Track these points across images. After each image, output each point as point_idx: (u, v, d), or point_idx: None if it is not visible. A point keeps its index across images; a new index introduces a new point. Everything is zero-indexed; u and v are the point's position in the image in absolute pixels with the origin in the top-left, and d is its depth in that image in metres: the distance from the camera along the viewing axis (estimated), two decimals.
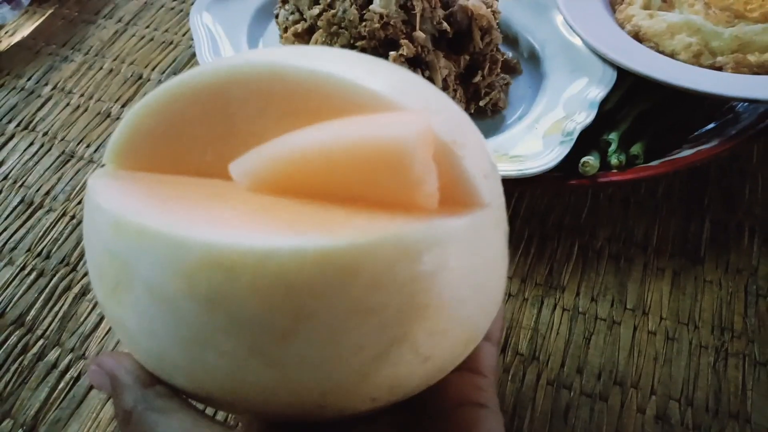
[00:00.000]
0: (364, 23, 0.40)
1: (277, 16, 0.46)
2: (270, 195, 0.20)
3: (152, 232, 0.18)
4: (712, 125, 0.44)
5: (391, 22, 0.40)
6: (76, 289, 0.41)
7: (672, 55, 0.44)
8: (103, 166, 0.23)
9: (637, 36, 0.46)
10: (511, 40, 0.50)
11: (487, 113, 0.45)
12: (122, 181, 0.22)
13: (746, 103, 0.44)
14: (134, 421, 0.21)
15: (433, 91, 0.22)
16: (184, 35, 0.57)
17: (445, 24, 0.41)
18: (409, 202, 0.19)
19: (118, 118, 0.51)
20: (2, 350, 0.38)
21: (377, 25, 0.39)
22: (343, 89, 0.20)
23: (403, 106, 0.19)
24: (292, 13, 0.44)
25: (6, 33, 0.56)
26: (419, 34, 0.40)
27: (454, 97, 0.43)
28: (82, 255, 0.43)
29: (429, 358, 0.20)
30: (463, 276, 0.19)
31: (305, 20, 0.43)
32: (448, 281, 0.19)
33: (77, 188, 0.47)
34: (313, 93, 0.20)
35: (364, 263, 0.17)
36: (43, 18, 0.56)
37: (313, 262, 0.17)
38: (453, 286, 0.19)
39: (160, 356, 0.20)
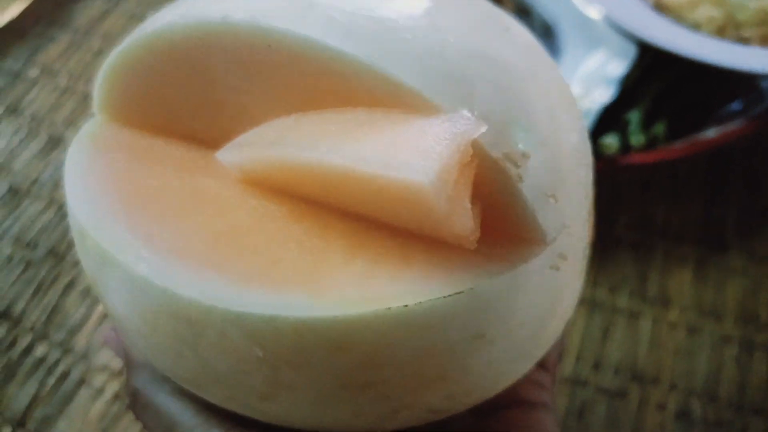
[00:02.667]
0: None
1: None
2: (261, 195, 0.17)
3: (112, 260, 0.16)
4: (736, 104, 0.42)
5: None
6: (64, 281, 0.40)
7: (695, 28, 0.42)
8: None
9: (659, 7, 0.44)
10: (524, 13, 0.48)
11: None
12: (101, 155, 0.19)
13: None
14: (142, 402, 0.20)
15: (495, 53, 0.16)
16: None
17: None
18: (437, 235, 0.15)
19: None
20: None
21: None
22: (350, 69, 0.15)
23: (435, 103, 0.14)
24: None
25: None
26: None
27: None
28: (70, 245, 0.41)
29: (450, 410, 0.17)
30: (496, 340, 0.15)
31: None
32: (471, 350, 0.15)
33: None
34: (312, 69, 0.15)
35: (354, 340, 0.14)
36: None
37: (290, 333, 0.14)
38: (480, 354, 0.15)
39: (152, 362, 0.19)
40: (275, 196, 0.17)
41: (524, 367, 0.18)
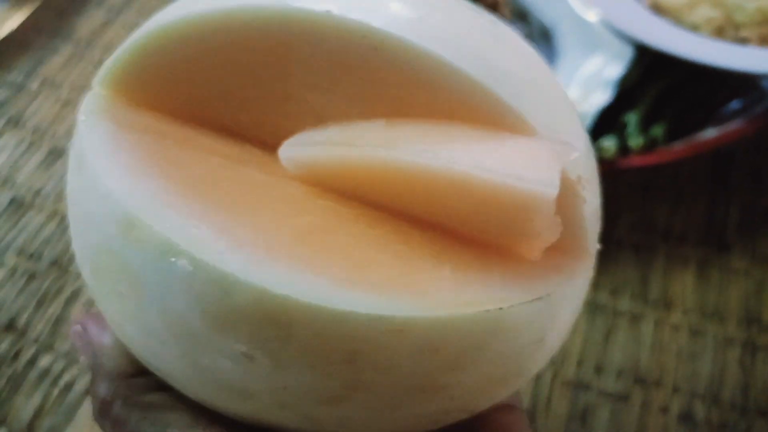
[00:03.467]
0: None
1: None
2: (325, 196, 0.16)
3: (182, 252, 0.14)
4: (736, 103, 0.42)
5: None
6: (68, 292, 0.40)
7: (693, 29, 0.42)
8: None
9: (656, 9, 0.44)
10: (522, 16, 0.48)
11: None
12: (128, 134, 0.16)
13: None
14: (114, 416, 0.18)
15: (557, 85, 0.17)
16: None
17: None
18: (510, 249, 0.15)
19: None
20: None
21: None
22: (461, 86, 0.15)
23: (533, 126, 0.15)
24: None
25: None
26: None
27: None
28: (73, 256, 0.41)
29: (480, 410, 0.18)
30: (547, 345, 0.17)
31: None
32: (531, 354, 0.16)
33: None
34: (418, 80, 0.15)
35: (449, 340, 0.14)
36: (33, 10, 0.54)
37: (393, 332, 0.14)
38: (535, 358, 0.16)
39: (166, 375, 0.17)
40: (342, 198, 0.16)
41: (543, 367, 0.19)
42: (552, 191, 0.14)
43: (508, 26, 0.18)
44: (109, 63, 0.17)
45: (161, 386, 0.18)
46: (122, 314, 0.16)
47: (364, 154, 0.16)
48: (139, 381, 0.18)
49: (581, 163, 0.16)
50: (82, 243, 0.17)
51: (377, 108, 0.16)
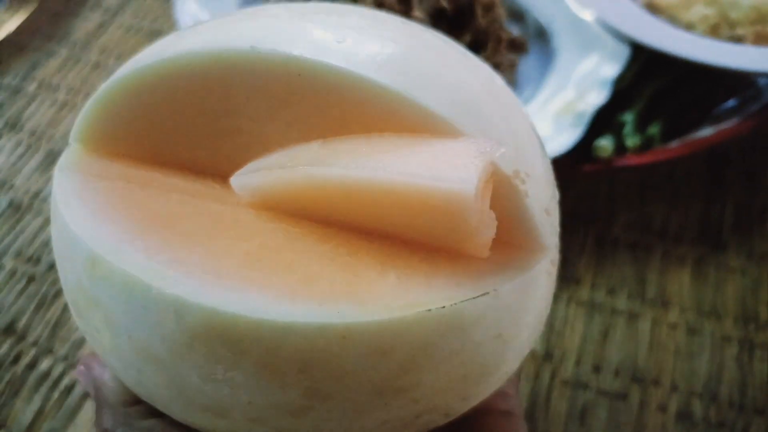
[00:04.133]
0: (358, 4, 0.37)
1: (267, 1, 0.44)
2: (276, 219, 0.17)
3: (139, 285, 0.15)
4: (732, 102, 0.42)
5: (386, 2, 0.37)
6: None
7: (688, 28, 0.42)
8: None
9: (651, 8, 0.44)
10: (517, 16, 0.48)
11: None
12: (96, 182, 0.18)
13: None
14: None
15: (493, 91, 0.18)
16: (172, 25, 0.55)
17: (443, 2, 0.39)
18: (458, 250, 0.16)
19: None
20: None
21: (371, 7, 0.37)
22: (383, 99, 0.16)
23: (459, 128, 0.16)
24: None
25: None
26: (417, 14, 0.38)
27: None
28: None
29: (457, 413, 0.18)
30: (509, 340, 0.17)
31: None
32: (490, 350, 0.16)
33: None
34: (343, 98, 0.16)
35: (397, 343, 0.15)
36: (29, 13, 0.54)
37: (338, 340, 0.15)
38: (496, 353, 0.17)
39: (147, 398, 0.18)
40: (291, 219, 0.17)
41: (517, 366, 0.19)
42: (469, 187, 0.15)
43: (447, 39, 0.19)
44: (78, 120, 0.19)
45: (155, 413, 0.19)
46: (103, 348, 0.18)
47: (299, 174, 0.16)
48: (135, 409, 0.20)
49: (519, 159, 0.17)
50: (64, 284, 0.18)
51: (314, 130, 0.17)
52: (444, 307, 0.15)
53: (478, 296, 0.15)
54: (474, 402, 0.18)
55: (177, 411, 0.18)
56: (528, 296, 0.17)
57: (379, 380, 0.15)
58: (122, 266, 0.16)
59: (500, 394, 0.23)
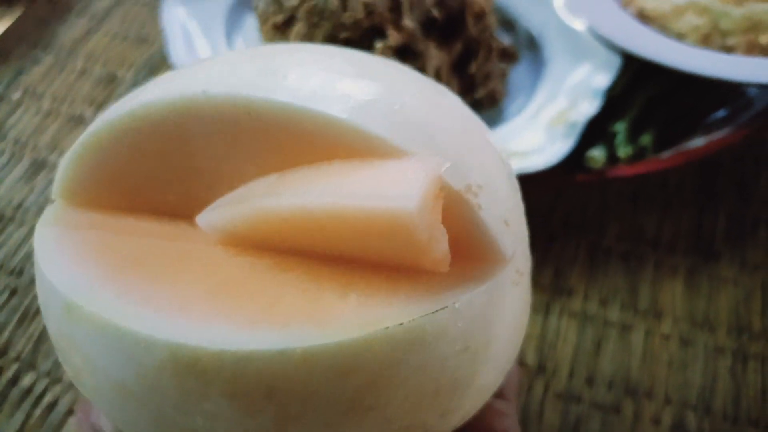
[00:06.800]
0: (347, 13, 0.37)
1: (256, 8, 0.44)
2: (243, 253, 0.18)
3: (110, 326, 0.16)
4: (723, 112, 0.42)
5: (377, 11, 0.37)
6: None
7: (680, 38, 0.42)
8: (53, 202, 0.21)
9: (642, 17, 0.44)
10: (508, 25, 0.48)
11: (484, 105, 0.43)
12: (73, 233, 0.19)
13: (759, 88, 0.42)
14: None
15: (441, 111, 0.19)
16: (159, 32, 0.55)
17: (434, 10, 0.39)
18: (416, 265, 0.16)
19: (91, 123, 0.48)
20: None
21: (361, 16, 0.37)
22: (331, 129, 0.17)
23: (404, 149, 0.17)
24: (272, 3, 0.41)
25: None
26: (407, 23, 0.38)
27: None
28: None
29: (436, 427, 0.18)
30: (478, 352, 0.17)
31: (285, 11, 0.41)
32: (459, 364, 0.17)
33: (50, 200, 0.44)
34: (290, 131, 0.17)
35: (359, 362, 0.15)
36: (14, 20, 0.53)
37: (299, 363, 0.15)
38: (466, 366, 0.17)
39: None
40: (257, 251, 0.18)
41: (498, 380, 0.20)
42: (410, 204, 0.15)
43: (400, 66, 0.20)
44: (57, 175, 0.20)
45: None
46: (86, 389, 0.18)
47: (253, 207, 0.17)
48: None
49: (471, 173, 0.17)
50: (50, 332, 0.19)
51: (269, 164, 0.18)
52: (402, 324, 0.15)
53: (437, 311, 0.16)
54: (455, 419, 0.18)
55: None
56: (493, 307, 0.17)
57: (346, 401, 0.16)
58: (93, 309, 0.16)
59: (496, 413, 0.23)
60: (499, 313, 0.18)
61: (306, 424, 0.16)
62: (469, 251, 0.17)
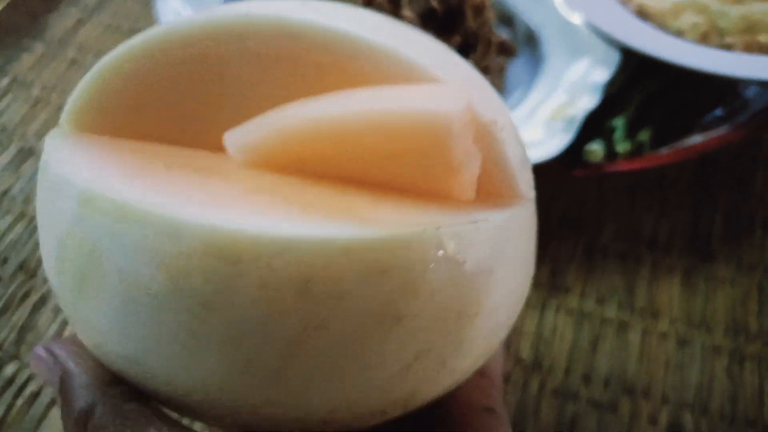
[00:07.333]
0: (347, 3, 0.37)
1: None
2: (272, 173, 0.17)
3: (134, 210, 0.15)
4: (721, 110, 0.42)
5: (376, 1, 0.37)
6: (35, 298, 0.38)
7: (678, 35, 0.42)
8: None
9: (642, 14, 0.44)
10: (507, 20, 0.48)
11: None
12: (87, 147, 0.18)
13: (757, 86, 0.42)
14: (94, 425, 0.17)
15: (464, 62, 0.19)
16: (152, 24, 0.54)
17: (434, 2, 0.39)
18: (442, 191, 0.16)
19: None
20: None
21: (360, 5, 0.37)
22: (369, 54, 0.17)
23: (441, 77, 0.17)
24: None
25: None
26: (406, 14, 0.37)
27: None
28: (40, 260, 0.39)
29: (453, 370, 0.17)
30: (502, 280, 0.17)
31: None
32: (487, 286, 0.17)
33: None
34: (331, 56, 0.17)
35: (396, 262, 0.15)
36: (3, 6, 0.53)
37: (338, 256, 0.14)
38: (491, 292, 0.17)
39: (135, 361, 0.17)
40: (285, 172, 0.17)
41: (505, 329, 0.20)
42: (458, 108, 0.15)
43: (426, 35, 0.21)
44: (69, 102, 0.19)
45: (140, 397, 0.18)
46: (87, 304, 0.17)
47: (284, 122, 0.17)
48: (118, 389, 0.18)
49: (496, 110, 0.18)
50: (48, 243, 0.18)
51: (303, 90, 0.18)
52: (439, 228, 0.15)
53: (469, 222, 0.16)
54: (465, 363, 0.18)
55: (164, 368, 0.17)
56: (513, 237, 0.18)
57: (378, 305, 0.15)
58: (115, 197, 0.15)
59: (482, 389, 0.22)
60: (521, 244, 0.18)
61: (331, 333, 0.15)
62: (490, 188, 0.17)
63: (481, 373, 0.23)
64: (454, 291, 0.16)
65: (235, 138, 0.18)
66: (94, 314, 0.17)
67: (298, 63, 0.18)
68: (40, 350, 0.20)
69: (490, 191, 0.17)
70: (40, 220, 0.18)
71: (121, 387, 0.18)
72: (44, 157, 0.18)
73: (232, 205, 0.16)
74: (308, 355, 0.15)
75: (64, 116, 0.19)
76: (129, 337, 0.16)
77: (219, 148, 0.18)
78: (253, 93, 0.18)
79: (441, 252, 0.15)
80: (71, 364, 0.19)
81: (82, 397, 0.18)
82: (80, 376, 0.18)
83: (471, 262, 0.16)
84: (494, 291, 0.17)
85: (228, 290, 0.15)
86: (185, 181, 0.17)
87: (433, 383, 0.17)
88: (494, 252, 0.17)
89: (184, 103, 0.19)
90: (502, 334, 0.19)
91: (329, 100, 0.17)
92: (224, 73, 0.18)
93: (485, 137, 0.17)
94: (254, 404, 0.16)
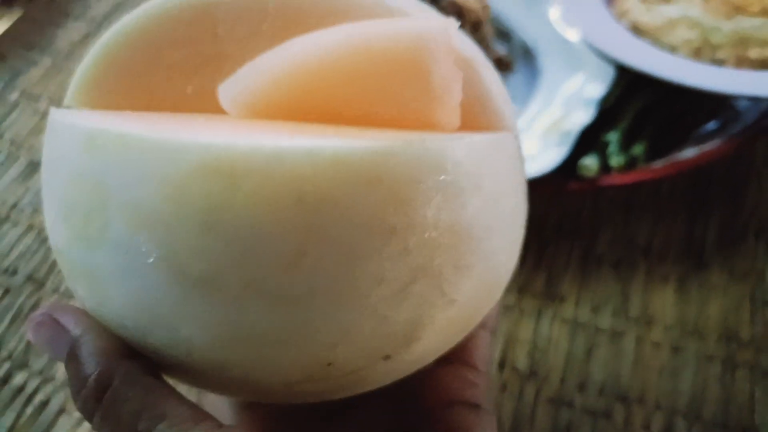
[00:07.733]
0: None
1: None
2: (269, 119, 0.18)
3: (136, 138, 0.16)
4: (714, 123, 0.42)
5: None
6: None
7: (672, 51, 0.43)
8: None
9: (636, 30, 0.45)
10: (504, 36, 0.48)
11: None
12: (93, 110, 0.20)
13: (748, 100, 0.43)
14: (111, 396, 0.16)
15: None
16: None
17: None
18: (428, 119, 0.17)
19: None
20: None
21: None
22: (360, 3, 0.18)
23: (423, 15, 0.18)
24: None
25: None
26: None
27: None
28: (49, 271, 0.41)
29: (454, 301, 0.17)
30: (491, 200, 0.17)
31: None
32: (475, 201, 0.17)
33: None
34: (317, 4, 0.19)
35: (385, 170, 0.15)
36: (12, 22, 0.53)
37: (330, 165, 0.15)
38: (480, 209, 0.17)
39: (135, 304, 0.17)
40: (279, 117, 0.18)
41: (504, 273, 0.19)
42: (437, 31, 0.16)
43: None
44: (74, 82, 0.20)
45: (156, 372, 0.18)
46: (90, 251, 0.17)
47: (275, 62, 0.18)
48: (136, 362, 0.17)
49: (474, 53, 0.19)
50: (52, 195, 0.18)
51: (292, 36, 0.18)
52: (424, 141, 0.16)
53: (455, 139, 0.16)
54: (464, 285, 0.17)
55: (170, 309, 0.16)
56: (501, 161, 0.18)
57: (370, 215, 0.15)
58: (121, 130, 0.16)
59: (467, 383, 0.22)
60: (508, 170, 0.18)
61: (330, 244, 0.16)
62: (474, 119, 0.18)
63: (466, 362, 0.22)
64: (444, 203, 0.16)
65: (228, 89, 0.19)
66: (97, 259, 0.17)
67: (286, 13, 0.19)
68: (39, 317, 0.18)
69: (474, 125, 0.18)
70: (45, 175, 0.19)
71: (140, 360, 0.17)
72: (50, 121, 0.19)
73: (228, 131, 0.17)
74: (309, 270, 0.16)
75: (68, 96, 0.20)
76: (132, 278, 0.16)
77: (217, 110, 0.19)
78: (246, 49, 0.19)
79: (428, 162, 0.16)
80: (81, 331, 0.17)
81: (95, 366, 0.17)
82: (93, 344, 0.17)
83: (458, 175, 0.16)
84: (486, 210, 0.17)
85: (226, 204, 0.15)
86: (185, 121, 0.18)
87: (434, 316, 0.17)
88: (481, 169, 0.17)
89: (181, 69, 0.20)
90: (500, 272, 0.19)
91: (312, 38, 0.18)
92: (217, 33, 0.19)
93: (466, 70, 0.18)
94: (258, 341, 0.16)
